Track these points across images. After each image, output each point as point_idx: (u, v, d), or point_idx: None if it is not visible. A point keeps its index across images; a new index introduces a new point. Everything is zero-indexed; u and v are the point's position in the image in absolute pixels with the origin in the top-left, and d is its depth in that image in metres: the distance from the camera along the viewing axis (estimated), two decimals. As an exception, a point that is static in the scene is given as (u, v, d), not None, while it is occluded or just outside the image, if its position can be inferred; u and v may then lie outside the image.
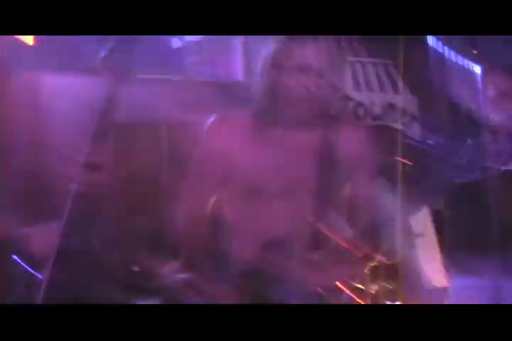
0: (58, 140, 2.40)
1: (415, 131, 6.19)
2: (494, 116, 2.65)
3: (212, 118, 2.42)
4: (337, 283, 4.00)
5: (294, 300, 2.24)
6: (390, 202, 4.01)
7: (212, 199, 2.33)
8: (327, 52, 2.28)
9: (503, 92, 2.69)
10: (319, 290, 2.20)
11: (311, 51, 2.28)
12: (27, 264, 2.21)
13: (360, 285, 4.25)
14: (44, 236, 2.01)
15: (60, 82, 4.54)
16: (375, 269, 4.28)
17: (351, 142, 2.31)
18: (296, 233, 2.23)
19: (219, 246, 2.40)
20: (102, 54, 2.04)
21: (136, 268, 3.42)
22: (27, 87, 2.60)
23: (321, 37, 2.32)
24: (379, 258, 4.23)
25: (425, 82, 6.05)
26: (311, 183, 2.19)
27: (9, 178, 2.25)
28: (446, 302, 2.86)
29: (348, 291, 4.26)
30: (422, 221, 5.18)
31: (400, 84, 6.18)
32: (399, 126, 6.13)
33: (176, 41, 4.40)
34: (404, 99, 6.19)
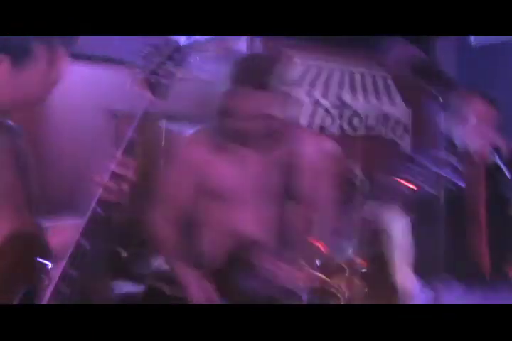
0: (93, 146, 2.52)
1: (407, 142, 6.42)
2: (471, 142, 2.74)
3: (190, 131, 2.60)
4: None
5: (263, 298, 2.33)
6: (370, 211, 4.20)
7: (186, 203, 2.51)
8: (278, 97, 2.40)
9: (482, 119, 2.79)
10: (288, 287, 2.32)
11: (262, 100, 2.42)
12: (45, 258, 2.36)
13: (333, 286, 4.48)
14: (64, 231, 2.19)
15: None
16: (350, 271, 4.51)
17: (315, 152, 2.51)
18: (264, 234, 2.43)
19: (193, 246, 2.56)
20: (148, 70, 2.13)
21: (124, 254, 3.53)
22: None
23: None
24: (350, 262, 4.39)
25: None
26: (275, 190, 2.39)
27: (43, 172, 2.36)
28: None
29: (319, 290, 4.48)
30: (400, 229, 5.39)
31: (397, 96, 6.36)
32: (392, 137, 6.35)
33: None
34: (399, 110, 6.36)
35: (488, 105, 2.86)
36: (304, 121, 5.90)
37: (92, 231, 1.82)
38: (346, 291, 4.38)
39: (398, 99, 6.40)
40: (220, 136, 2.50)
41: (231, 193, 2.46)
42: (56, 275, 1.80)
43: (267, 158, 2.50)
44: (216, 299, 2.45)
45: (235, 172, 2.49)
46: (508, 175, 2.71)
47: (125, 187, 1.85)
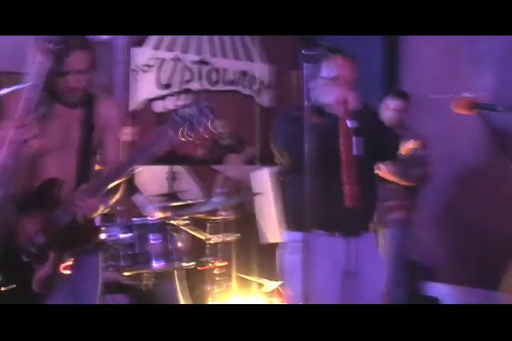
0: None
1: (265, 98, 6.64)
2: (323, 97, 2.95)
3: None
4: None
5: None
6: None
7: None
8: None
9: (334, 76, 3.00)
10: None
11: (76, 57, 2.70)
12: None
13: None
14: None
15: None
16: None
17: (105, 113, 2.83)
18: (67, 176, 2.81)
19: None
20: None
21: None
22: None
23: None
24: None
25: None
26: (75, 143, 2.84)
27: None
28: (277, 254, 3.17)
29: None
30: (262, 180, 5.62)
31: (255, 53, 6.53)
32: (250, 92, 6.55)
33: None
34: (257, 67, 6.55)
35: (345, 61, 3.01)
36: (164, 76, 5.96)
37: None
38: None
39: (256, 56, 6.57)
40: (43, 91, 2.68)
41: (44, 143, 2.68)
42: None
43: (71, 113, 2.84)
44: None
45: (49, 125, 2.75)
46: (352, 124, 2.89)
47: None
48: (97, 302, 3.02)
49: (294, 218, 3.08)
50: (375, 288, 3.08)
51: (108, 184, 2.78)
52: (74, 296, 2.85)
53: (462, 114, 2.97)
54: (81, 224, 2.78)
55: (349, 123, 2.86)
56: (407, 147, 4.40)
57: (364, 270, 3.03)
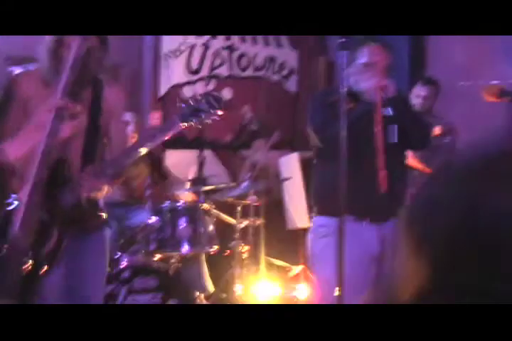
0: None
1: (293, 84, 6.66)
2: (359, 84, 2.97)
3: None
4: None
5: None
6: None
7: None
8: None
9: (370, 63, 3.02)
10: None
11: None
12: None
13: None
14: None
15: None
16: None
17: (111, 98, 2.86)
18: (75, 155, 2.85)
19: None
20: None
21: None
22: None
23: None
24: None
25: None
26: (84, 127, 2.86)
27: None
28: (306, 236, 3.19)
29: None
30: (291, 166, 5.66)
31: (284, 39, 6.55)
32: (278, 78, 6.58)
33: None
34: (286, 53, 6.57)
35: (380, 49, 3.04)
36: (194, 61, 6.01)
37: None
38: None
39: (285, 42, 6.58)
40: (48, 75, 2.73)
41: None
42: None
43: (77, 98, 2.81)
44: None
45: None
46: (388, 112, 2.92)
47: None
48: (104, 279, 3.14)
49: (325, 202, 3.10)
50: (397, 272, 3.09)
51: (114, 167, 2.83)
52: (80, 273, 2.91)
53: (492, 101, 2.99)
54: (84, 203, 2.83)
55: (385, 111, 2.90)
56: (433, 134, 4.42)
57: (389, 255, 3.06)
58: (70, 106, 2.65)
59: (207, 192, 4.72)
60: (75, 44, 2.58)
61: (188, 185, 4.84)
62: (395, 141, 2.88)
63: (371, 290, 2.79)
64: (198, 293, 4.46)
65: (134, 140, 4.78)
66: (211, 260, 4.76)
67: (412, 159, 4.50)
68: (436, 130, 4.47)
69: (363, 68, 3.00)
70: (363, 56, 3.01)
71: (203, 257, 4.68)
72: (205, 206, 4.52)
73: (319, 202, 3.20)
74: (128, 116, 4.83)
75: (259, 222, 4.73)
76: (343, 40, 2.58)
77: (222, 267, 4.86)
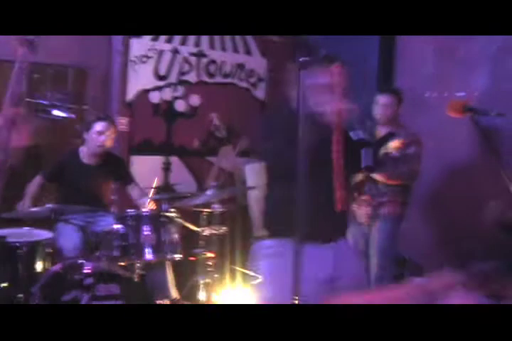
0: None
1: (261, 91, 6.67)
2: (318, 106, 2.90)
3: None
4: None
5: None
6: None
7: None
8: None
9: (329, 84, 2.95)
10: None
11: None
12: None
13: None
14: None
15: None
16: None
17: None
18: None
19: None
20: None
21: None
22: None
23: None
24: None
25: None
26: None
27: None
28: None
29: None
30: (257, 173, 5.66)
31: (253, 46, 6.57)
32: (246, 85, 6.58)
33: None
34: (255, 60, 6.58)
35: (339, 69, 2.97)
36: (162, 67, 6.00)
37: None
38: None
39: (255, 52, 6.60)
40: None
41: None
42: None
43: None
44: None
45: None
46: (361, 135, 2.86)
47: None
48: None
49: (278, 224, 2.99)
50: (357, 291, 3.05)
51: None
52: None
53: (456, 116, 3.00)
54: None
55: (353, 134, 2.85)
56: (394, 145, 4.46)
57: (344, 275, 3.03)
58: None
59: (172, 199, 4.71)
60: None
61: (152, 192, 4.82)
62: (369, 164, 2.84)
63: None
64: (160, 301, 4.45)
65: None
66: (176, 267, 4.75)
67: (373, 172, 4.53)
68: (397, 143, 4.51)
69: (322, 89, 2.92)
70: (322, 77, 2.94)
71: (168, 264, 4.67)
72: (169, 214, 4.51)
73: (272, 224, 3.12)
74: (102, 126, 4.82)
75: (224, 229, 4.73)
76: (304, 59, 2.53)
77: (186, 274, 4.85)
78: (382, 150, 4.52)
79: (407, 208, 4.82)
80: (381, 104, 4.70)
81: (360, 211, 4.67)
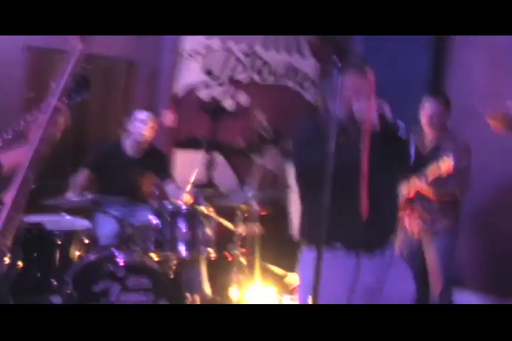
0: None
1: (312, 94, 6.64)
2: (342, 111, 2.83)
3: None
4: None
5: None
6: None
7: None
8: None
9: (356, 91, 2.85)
10: None
11: None
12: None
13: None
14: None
15: None
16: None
17: None
18: None
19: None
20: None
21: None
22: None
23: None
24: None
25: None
26: None
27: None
28: None
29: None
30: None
31: (307, 51, 6.54)
32: (299, 89, 6.56)
33: None
34: (308, 65, 6.55)
35: (362, 75, 2.89)
36: (214, 65, 6.01)
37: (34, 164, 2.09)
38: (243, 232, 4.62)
39: (308, 54, 6.57)
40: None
41: None
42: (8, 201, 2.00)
43: None
44: None
45: None
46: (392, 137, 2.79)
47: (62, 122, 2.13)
48: None
49: (309, 234, 2.99)
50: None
51: None
52: None
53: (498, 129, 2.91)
54: None
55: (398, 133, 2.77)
56: (445, 169, 4.18)
57: (385, 287, 2.90)
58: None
59: (210, 196, 4.71)
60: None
61: (189, 187, 4.80)
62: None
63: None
64: (189, 296, 4.47)
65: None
66: (210, 264, 4.76)
67: (420, 184, 4.37)
68: (448, 165, 4.17)
69: (352, 95, 2.84)
70: (350, 84, 2.86)
71: (203, 261, 4.68)
72: (206, 211, 4.52)
73: (306, 233, 3.06)
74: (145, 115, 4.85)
75: (259, 228, 4.71)
76: (341, 64, 2.47)
77: (219, 271, 4.86)
78: (433, 169, 4.29)
79: (459, 222, 4.64)
80: (428, 110, 4.52)
81: (412, 225, 4.54)
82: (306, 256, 2.98)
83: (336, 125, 2.35)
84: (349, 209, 2.75)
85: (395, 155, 2.85)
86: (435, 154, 4.37)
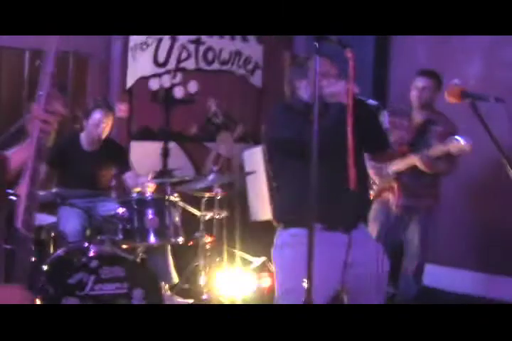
0: None
1: (258, 78, 6.72)
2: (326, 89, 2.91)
3: None
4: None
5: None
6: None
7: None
8: None
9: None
10: None
11: None
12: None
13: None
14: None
15: None
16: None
17: None
18: None
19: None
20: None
21: None
22: None
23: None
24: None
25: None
26: None
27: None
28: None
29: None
30: (254, 159, 5.74)
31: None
32: (243, 72, 6.64)
33: None
34: (252, 47, 6.62)
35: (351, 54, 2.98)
36: (161, 54, 6.06)
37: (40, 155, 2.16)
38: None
39: (251, 37, 6.65)
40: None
41: None
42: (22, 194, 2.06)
43: None
44: None
45: None
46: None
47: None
48: None
49: (292, 213, 3.00)
50: (373, 277, 3.02)
51: None
52: None
53: (454, 102, 3.00)
54: None
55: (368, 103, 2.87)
56: (457, 147, 4.17)
57: (361, 261, 2.99)
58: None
59: (173, 184, 4.78)
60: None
61: (150, 176, 4.85)
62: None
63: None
64: (163, 283, 4.54)
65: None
66: (176, 251, 4.84)
67: (421, 163, 4.36)
68: (463, 144, 4.15)
69: (323, 76, 2.93)
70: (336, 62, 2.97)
71: (168, 248, 4.75)
72: (172, 198, 4.59)
73: (286, 213, 3.10)
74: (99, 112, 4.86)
75: (223, 214, 4.80)
76: (319, 45, 2.53)
77: (186, 258, 4.94)
78: (437, 148, 4.31)
79: (440, 200, 4.74)
80: (418, 86, 4.56)
81: (396, 199, 4.55)
82: (285, 237, 3.04)
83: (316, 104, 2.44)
84: (332, 186, 2.84)
85: (366, 129, 2.95)
86: (425, 128, 4.52)
